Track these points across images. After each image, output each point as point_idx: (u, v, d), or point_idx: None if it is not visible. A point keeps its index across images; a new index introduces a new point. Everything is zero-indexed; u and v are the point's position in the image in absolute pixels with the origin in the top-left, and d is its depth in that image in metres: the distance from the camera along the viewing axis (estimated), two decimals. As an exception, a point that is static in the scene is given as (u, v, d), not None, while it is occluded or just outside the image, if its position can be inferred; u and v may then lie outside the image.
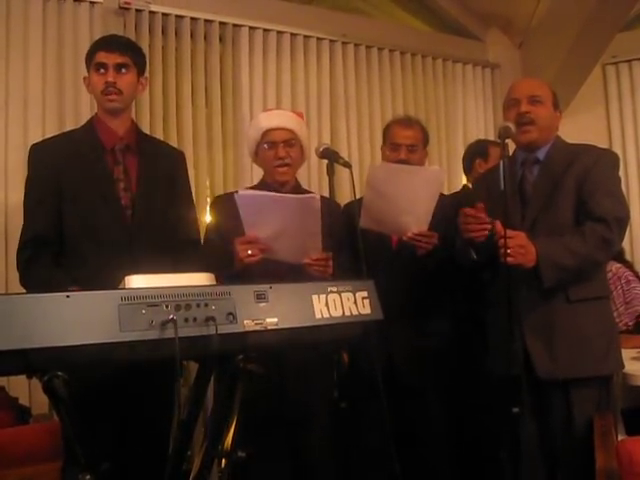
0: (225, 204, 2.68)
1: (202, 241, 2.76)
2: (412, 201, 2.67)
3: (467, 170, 3.84)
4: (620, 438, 2.45)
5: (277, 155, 2.72)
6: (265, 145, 2.75)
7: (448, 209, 2.81)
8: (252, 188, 2.93)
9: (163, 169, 2.61)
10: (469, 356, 2.89)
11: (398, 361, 2.92)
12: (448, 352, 2.96)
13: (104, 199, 2.47)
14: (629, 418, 2.68)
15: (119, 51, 2.49)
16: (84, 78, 2.59)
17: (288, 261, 2.48)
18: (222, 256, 2.50)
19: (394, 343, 2.91)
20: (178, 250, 2.54)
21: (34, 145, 2.59)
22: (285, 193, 2.72)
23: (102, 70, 2.49)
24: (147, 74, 2.64)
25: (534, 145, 2.61)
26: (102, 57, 2.49)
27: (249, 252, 2.44)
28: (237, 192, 2.48)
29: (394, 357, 2.91)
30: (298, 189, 2.84)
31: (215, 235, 2.74)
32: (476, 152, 3.79)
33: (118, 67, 2.49)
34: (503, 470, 2.52)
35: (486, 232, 2.43)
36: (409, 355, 2.94)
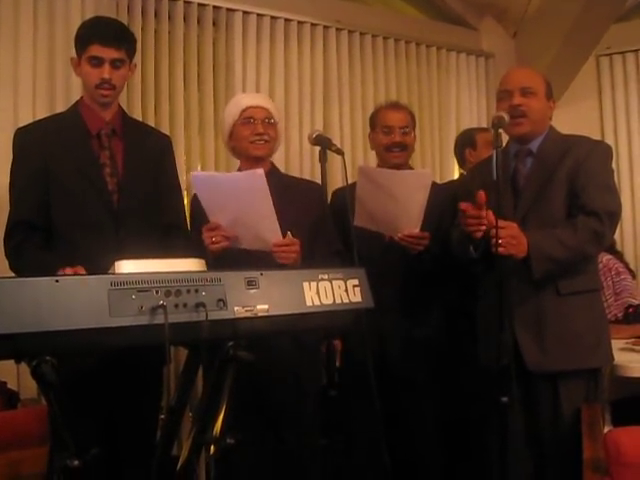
0: None
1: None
2: (402, 205, 2.68)
3: (461, 162, 3.83)
4: (608, 429, 2.46)
5: (255, 130, 2.72)
6: (243, 122, 2.74)
7: (442, 199, 2.81)
8: None
9: (149, 153, 2.58)
10: (460, 347, 2.90)
11: (390, 352, 2.93)
12: (440, 343, 2.97)
13: (90, 184, 2.43)
14: (617, 409, 2.69)
15: (116, 45, 2.43)
16: (71, 59, 2.54)
17: (253, 248, 2.47)
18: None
19: (386, 334, 2.91)
20: (164, 235, 2.52)
21: (19, 130, 2.55)
22: None
23: (97, 63, 2.43)
24: (135, 61, 2.60)
25: (526, 137, 2.59)
26: (98, 51, 2.41)
27: (213, 239, 2.44)
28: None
29: (386, 348, 2.92)
30: (274, 172, 2.82)
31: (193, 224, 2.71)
32: (464, 143, 3.78)
33: (114, 62, 2.44)
34: (491, 460, 2.53)
35: (483, 228, 2.37)
36: (401, 346, 2.95)
